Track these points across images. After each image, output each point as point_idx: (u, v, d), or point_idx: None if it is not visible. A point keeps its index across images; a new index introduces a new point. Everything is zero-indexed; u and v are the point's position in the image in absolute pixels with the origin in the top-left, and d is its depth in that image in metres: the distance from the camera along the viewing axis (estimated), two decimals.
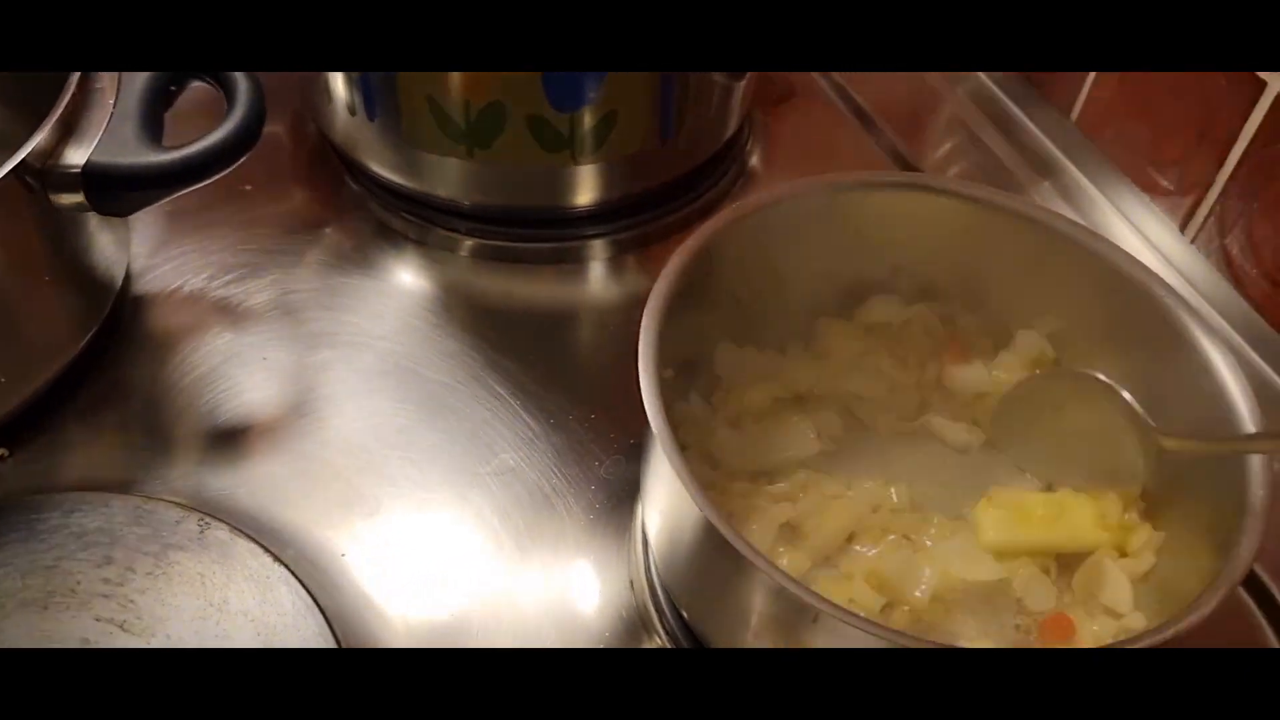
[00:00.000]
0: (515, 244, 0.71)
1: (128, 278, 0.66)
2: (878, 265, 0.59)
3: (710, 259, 0.53)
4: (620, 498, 0.59)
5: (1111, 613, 0.52)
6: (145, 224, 0.69)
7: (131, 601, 0.52)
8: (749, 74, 0.70)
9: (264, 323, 0.67)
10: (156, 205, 0.61)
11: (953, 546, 0.53)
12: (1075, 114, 0.75)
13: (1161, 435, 0.51)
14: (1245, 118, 0.64)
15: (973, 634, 0.51)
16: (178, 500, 0.57)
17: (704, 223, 0.53)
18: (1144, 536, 0.53)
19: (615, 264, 0.72)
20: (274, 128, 0.74)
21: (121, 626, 0.51)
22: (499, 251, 0.71)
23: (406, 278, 0.70)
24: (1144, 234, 0.72)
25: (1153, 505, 0.54)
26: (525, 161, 0.64)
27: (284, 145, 0.75)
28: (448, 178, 0.67)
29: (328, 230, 0.71)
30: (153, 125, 0.58)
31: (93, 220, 0.60)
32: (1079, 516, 0.55)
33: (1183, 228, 0.70)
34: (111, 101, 0.57)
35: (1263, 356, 0.66)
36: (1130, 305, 0.54)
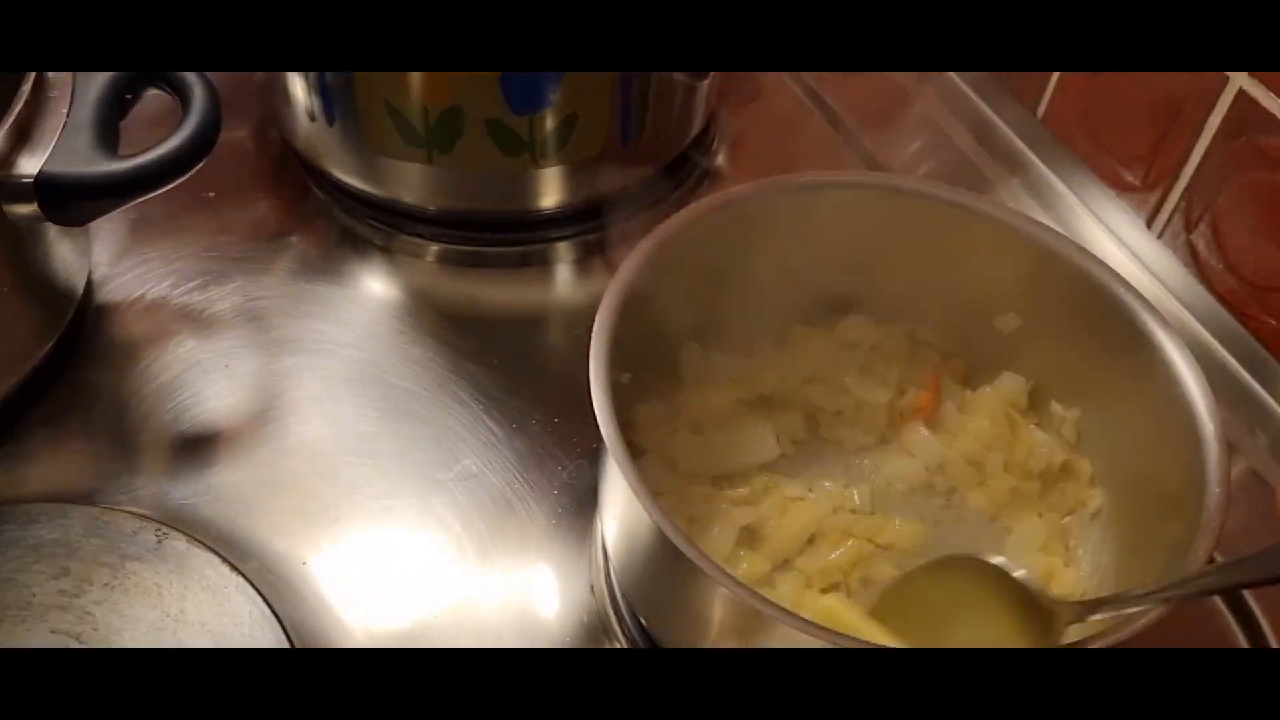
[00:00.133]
0: (481, 248, 0.71)
1: (90, 286, 0.66)
2: (838, 265, 0.59)
3: (667, 261, 0.53)
4: (583, 502, 0.59)
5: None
6: (107, 232, 0.69)
7: (88, 613, 0.52)
8: (712, 74, 0.69)
9: (228, 330, 0.66)
10: (119, 213, 0.60)
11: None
12: (1041, 111, 0.75)
13: (1065, 612, 0.47)
14: (1208, 113, 0.64)
15: None
16: (137, 510, 0.56)
17: (658, 227, 0.52)
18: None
19: (582, 266, 0.72)
20: (237, 135, 0.75)
21: (78, 638, 0.51)
22: (465, 256, 0.71)
23: (372, 284, 0.70)
24: (1112, 230, 0.72)
25: (1115, 501, 0.54)
26: (486, 166, 0.64)
27: (247, 152, 0.75)
28: (410, 183, 0.67)
29: (292, 237, 0.71)
30: (107, 134, 0.58)
31: (51, 229, 0.60)
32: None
33: (1149, 223, 0.70)
34: (65, 110, 0.57)
35: (1229, 351, 0.66)
36: (1089, 303, 0.54)
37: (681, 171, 0.74)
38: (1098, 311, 0.54)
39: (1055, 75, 0.73)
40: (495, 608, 0.56)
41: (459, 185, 0.67)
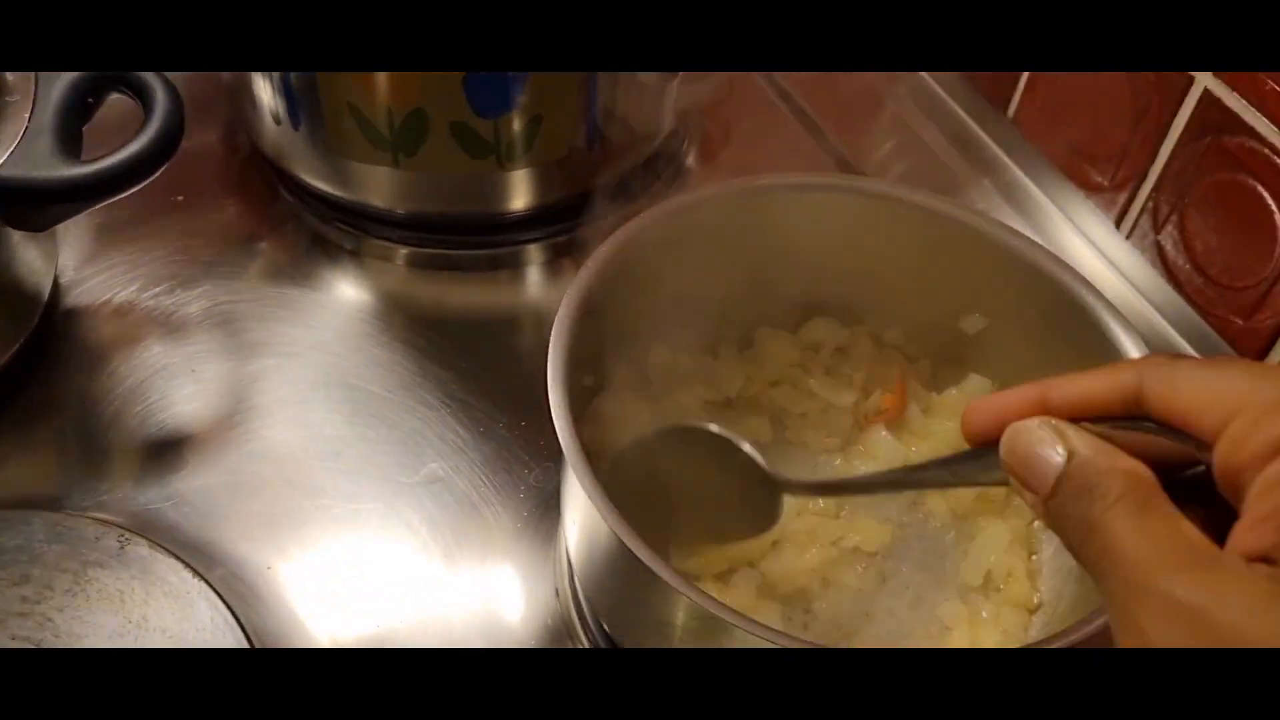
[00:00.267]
0: (450, 251, 0.71)
1: (56, 290, 0.66)
2: (802, 268, 0.59)
3: (629, 264, 0.53)
4: (549, 506, 0.59)
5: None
6: (74, 236, 0.69)
7: (49, 620, 0.52)
8: (680, 75, 0.69)
9: (196, 335, 0.66)
10: (86, 217, 0.61)
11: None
12: (1011, 111, 0.75)
13: (783, 484, 0.50)
14: (1175, 113, 0.64)
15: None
16: (101, 516, 0.56)
17: (621, 228, 0.52)
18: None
19: (551, 268, 0.72)
20: (206, 138, 0.74)
21: (38, 645, 0.51)
22: (434, 259, 0.71)
23: (340, 287, 0.70)
24: (1082, 231, 0.72)
25: None
26: (452, 169, 0.64)
27: (216, 156, 0.74)
28: (378, 186, 0.67)
29: (261, 242, 0.71)
30: (69, 138, 0.57)
31: (14, 234, 0.60)
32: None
33: (1118, 223, 0.70)
34: (26, 115, 0.57)
35: (1196, 350, 0.66)
36: (1053, 304, 0.54)
37: (651, 172, 0.74)
38: (1062, 313, 0.54)
39: (1025, 76, 0.73)
40: (461, 612, 0.56)
41: (426, 188, 0.67)
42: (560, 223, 0.71)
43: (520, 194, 0.68)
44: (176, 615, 0.52)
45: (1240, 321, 0.64)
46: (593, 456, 0.46)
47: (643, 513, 0.44)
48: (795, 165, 0.77)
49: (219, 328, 0.67)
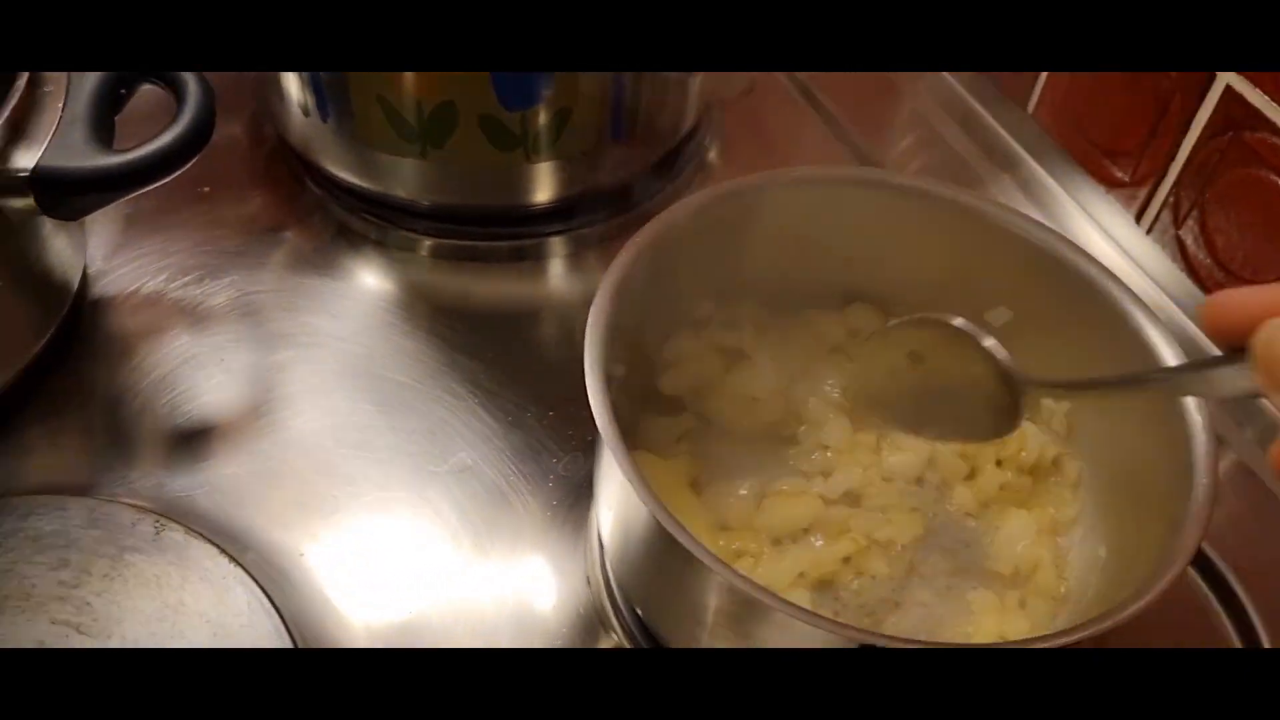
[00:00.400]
0: (474, 243, 0.71)
1: (85, 281, 0.66)
2: (828, 260, 0.59)
3: (663, 253, 0.53)
4: (578, 495, 0.60)
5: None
6: (103, 226, 0.69)
7: (87, 604, 0.52)
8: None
9: (223, 324, 0.67)
10: (114, 208, 0.61)
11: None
12: (1031, 107, 0.76)
13: (1030, 382, 0.50)
14: (1196, 109, 0.65)
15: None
16: (135, 502, 0.57)
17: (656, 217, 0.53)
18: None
19: (575, 260, 0.72)
20: (232, 129, 0.75)
21: (77, 629, 0.51)
22: (459, 250, 0.71)
23: (366, 278, 0.70)
24: (1101, 226, 0.73)
25: (1105, 494, 0.55)
26: (479, 161, 0.64)
27: (242, 147, 0.75)
28: (404, 178, 0.67)
29: (287, 232, 0.71)
30: (103, 128, 0.58)
31: (47, 224, 0.60)
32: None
33: (1138, 219, 0.70)
34: (60, 105, 0.57)
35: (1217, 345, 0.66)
36: (1078, 296, 0.55)
37: (675, 166, 0.74)
38: (1086, 305, 0.54)
39: (1045, 72, 0.74)
40: (491, 600, 0.56)
41: (452, 180, 0.67)
42: (584, 215, 0.71)
43: (545, 186, 0.68)
44: (213, 600, 0.53)
45: None
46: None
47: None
48: (816, 160, 0.77)
49: (246, 318, 0.67)
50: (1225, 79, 0.62)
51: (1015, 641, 0.50)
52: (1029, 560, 0.55)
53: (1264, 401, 0.65)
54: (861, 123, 0.80)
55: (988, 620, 0.53)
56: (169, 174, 0.57)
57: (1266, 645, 0.56)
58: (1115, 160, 0.71)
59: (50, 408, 0.62)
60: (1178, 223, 0.68)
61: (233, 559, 0.54)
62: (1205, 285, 0.67)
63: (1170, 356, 0.51)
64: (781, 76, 0.83)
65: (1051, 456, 0.57)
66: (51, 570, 0.53)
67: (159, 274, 0.69)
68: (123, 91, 0.59)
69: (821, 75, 0.82)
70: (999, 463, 0.58)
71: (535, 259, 0.72)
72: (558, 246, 0.72)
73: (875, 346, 0.54)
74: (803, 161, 0.77)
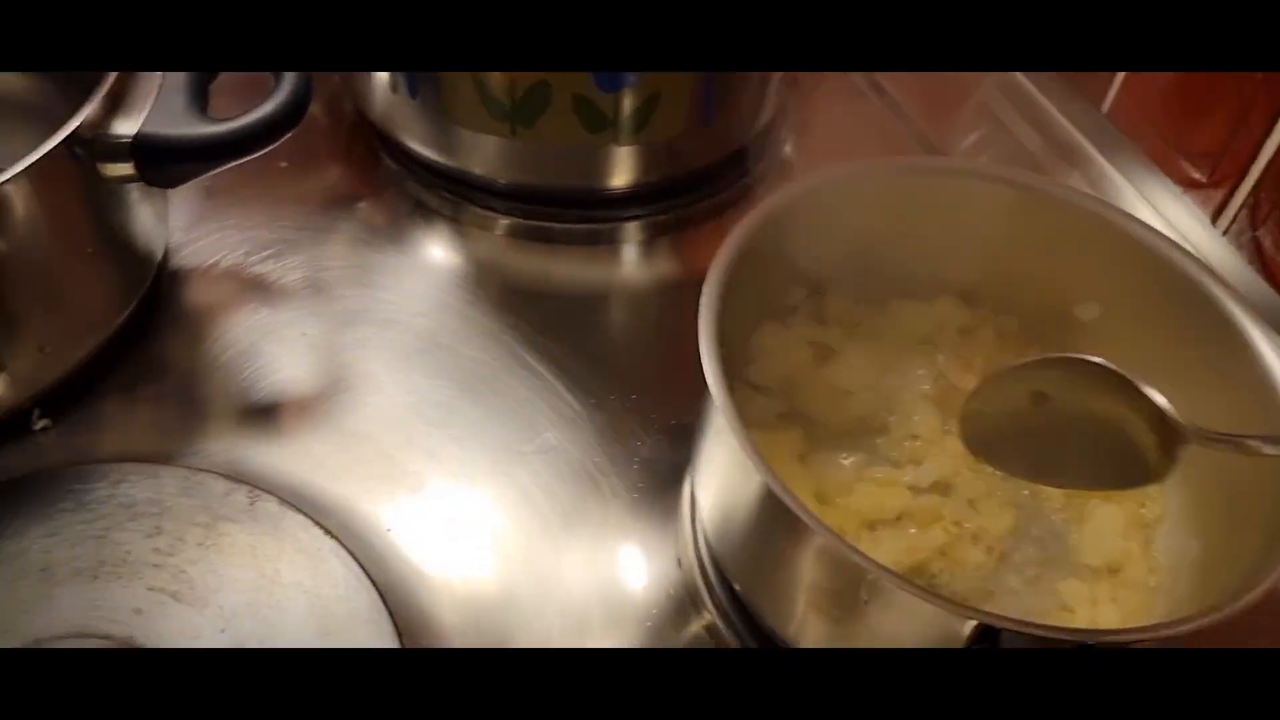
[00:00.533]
0: (550, 224, 0.71)
1: (166, 252, 0.66)
2: (918, 251, 0.60)
3: (761, 240, 0.53)
4: (663, 477, 0.60)
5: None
6: (182, 199, 0.69)
7: (183, 572, 0.52)
8: None
9: (300, 299, 0.67)
10: (194, 181, 0.61)
11: None
12: (1107, 105, 0.76)
13: (1194, 433, 0.47)
14: None
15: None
16: (227, 473, 0.57)
17: (765, 199, 0.53)
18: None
19: (648, 247, 0.72)
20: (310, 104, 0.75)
21: (174, 596, 0.51)
22: (534, 230, 0.71)
23: (441, 254, 0.70)
24: (1174, 225, 0.73)
25: (1195, 491, 0.55)
26: (568, 141, 0.65)
27: (320, 122, 0.75)
28: (487, 155, 0.67)
29: (363, 206, 0.72)
30: (200, 98, 0.58)
31: (134, 193, 0.60)
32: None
33: (1214, 219, 0.71)
34: (160, 74, 0.57)
35: None
36: (1174, 292, 0.55)
37: (751, 157, 0.74)
38: (1182, 300, 0.55)
39: (1123, 72, 0.74)
40: (579, 578, 0.56)
41: (536, 159, 0.68)
42: (661, 202, 0.72)
43: (628, 170, 0.68)
44: (309, 571, 0.53)
45: None
46: None
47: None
48: (886, 152, 0.77)
49: (322, 292, 0.67)
50: None
51: (1134, 630, 0.49)
52: (1119, 553, 0.55)
53: None
54: (929, 116, 0.80)
55: (1081, 611, 0.53)
56: (266, 146, 0.57)
57: None
58: (1193, 160, 0.71)
59: (132, 377, 0.62)
60: (1256, 224, 0.68)
61: (327, 531, 0.54)
62: None
63: (1272, 353, 0.51)
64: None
65: None
66: (146, 537, 0.53)
67: (237, 247, 0.68)
68: None
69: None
70: None
71: (609, 243, 0.72)
72: (632, 232, 0.72)
73: (995, 385, 0.51)
74: (874, 153, 0.77)
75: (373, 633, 0.51)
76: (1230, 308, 0.53)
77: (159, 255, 0.64)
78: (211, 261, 0.68)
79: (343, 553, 0.53)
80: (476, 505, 0.59)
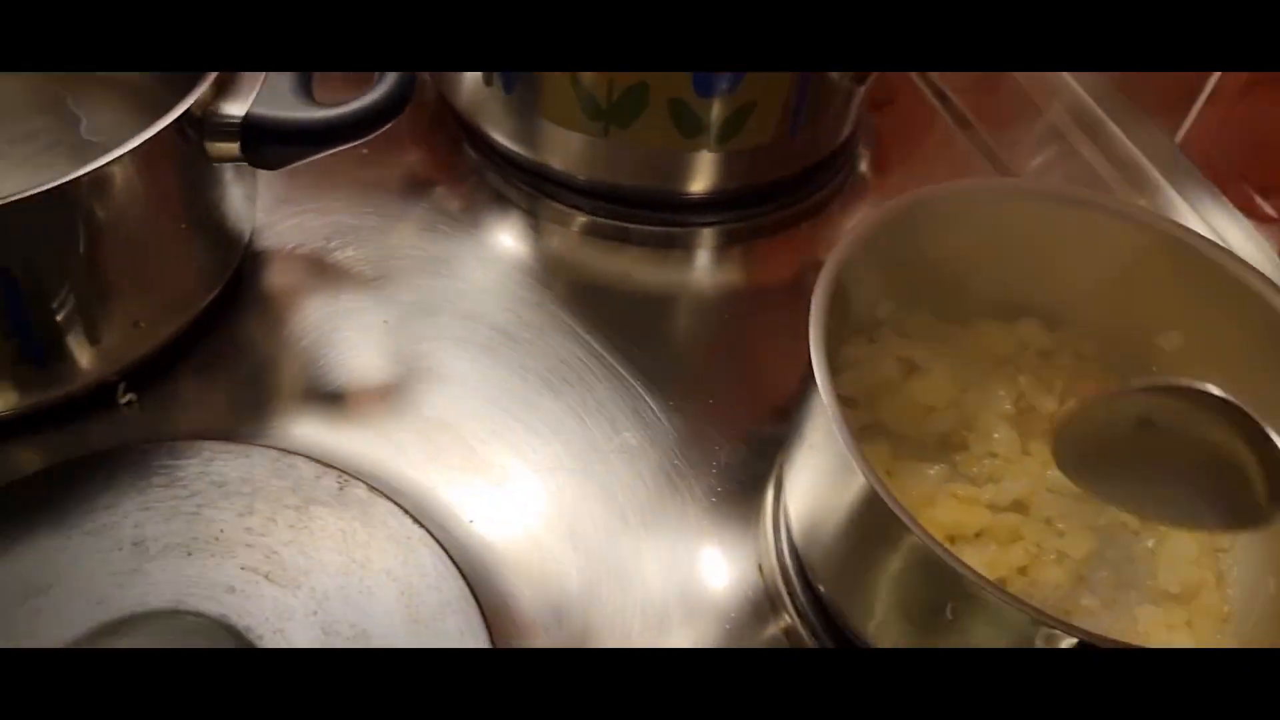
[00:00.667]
0: (626, 224, 0.72)
1: (251, 234, 0.67)
2: (1002, 271, 0.60)
3: (866, 249, 0.54)
4: (742, 484, 0.60)
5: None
6: (265, 182, 0.69)
7: (275, 552, 0.53)
8: (872, 75, 0.70)
9: (379, 285, 0.67)
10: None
11: None
12: (1180, 135, 0.77)
13: None
14: None
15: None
16: (316, 457, 0.57)
17: (885, 204, 0.54)
18: None
19: (720, 253, 0.73)
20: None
21: (266, 577, 0.52)
22: (610, 229, 0.72)
23: (519, 247, 0.71)
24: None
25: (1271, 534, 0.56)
26: (660, 144, 0.65)
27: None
28: (574, 153, 0.68)
29: (443, 194, 0.72)
30: (305, 81, 0.58)
31: (229, 173, 0.60)
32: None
33: None
34: None
35: None
36: (1260, 326, 0.56)
37: (829, 170, 0.75)
38: (1268, 335, 0.55)
39: (1199, 103, 0.75)
40: (659, 577, 0.57)
41: (620, 159, 0.68)
42: (738, 209, 0.72)
43: (708, 176, 0.69)
44: (400, 559, 0.53)
45: None
46: None
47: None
48: (959, 171, 0.78)
49: (401, 279, 0.68)
50: None
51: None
52: (1193, 580, 0.56)
53: None
54: (999, 135, 0.81)
55: (1156, 635, 0.54)
56: (370, 133, 0.58)
57: None
58: (1266, 195, 0.72)
59: (214, 357, 0.62)
60: None
61: (416, 520, 0.54)
62: None
63: None
64: (922, 86, 0.83)
65: None
66: (239, 516, 0.53)
67: (318, 232, 0.69)
68: None
69: (961, 86, 0.83)
70: None
71: (683, 247, 0.73)
72: (706, 237, 0.73)
73: (1098, 406, 0.51)
74: (947, 172, 0.78)
75: (462, 624, 0.51)
76: None
77: (246, 237, 0.65)
78: (293, 245, 0.68)
79: (432, 542, 0.54)
80: (558, 500, 0.59)
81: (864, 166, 0.78)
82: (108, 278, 0.55)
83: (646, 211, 0.72)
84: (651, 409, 0.63)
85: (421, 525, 0.54)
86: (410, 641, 0.50)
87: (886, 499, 0.45)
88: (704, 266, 0.73)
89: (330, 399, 0.62)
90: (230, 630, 0.50)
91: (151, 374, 0.60)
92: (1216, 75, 0.73)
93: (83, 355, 0.56)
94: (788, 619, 0.56)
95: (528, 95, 0.65)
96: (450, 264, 0.69)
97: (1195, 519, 0.51)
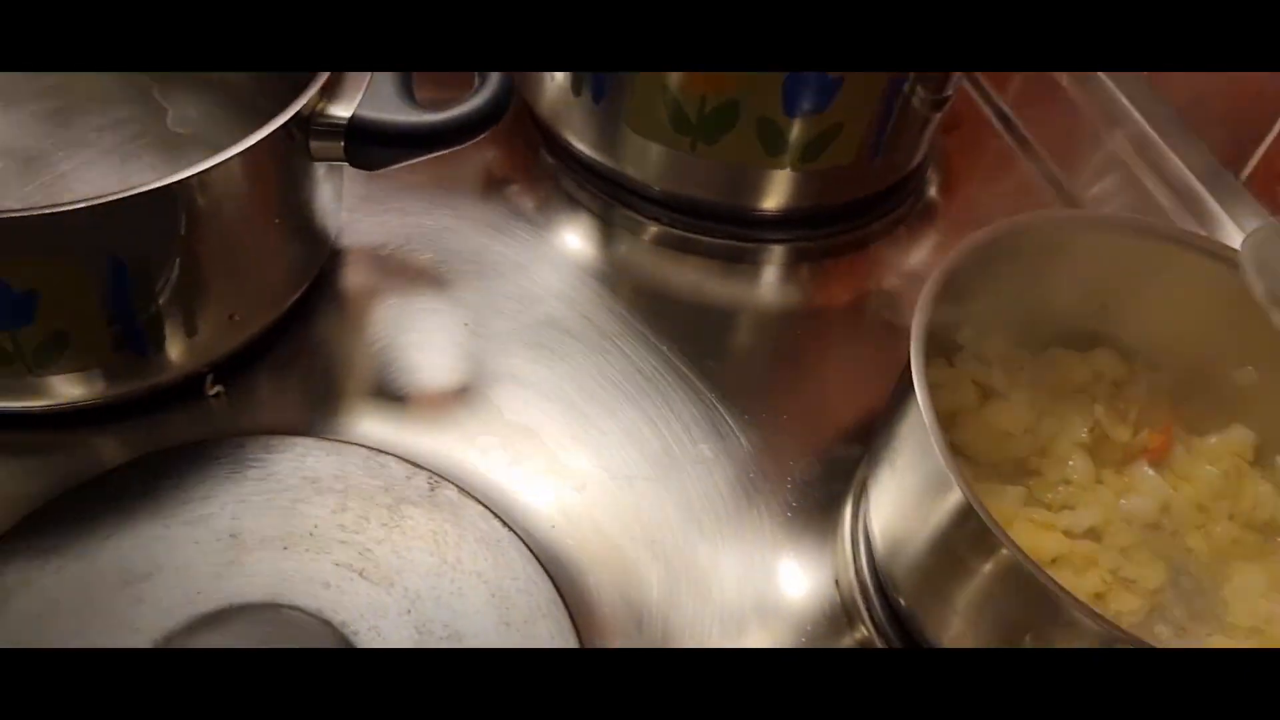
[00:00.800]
0: (699, 236, 0.73)
1: (337, 233, 0.67)
2: (1080, 301, 0.61)
3: (958, 274, 0.55)
4: (816, 499, 0.61)
5: None
6: (349, 181, 0.70)
7: (369, 550, 0.53)
8: (952, 97, 0.71)
9: (455, 287, 0.68)
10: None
11: None
12: (1245, 173, 0.78)
13: None
14: None
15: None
16: (406, 457, 0.58)
17: (996, 221, 0.56)
18: None
19: (789, 271, 0.74)
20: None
21: (360, 574, 0.53)
22: (681, 241, 0.73)
23: (595, 254, 0.72)
24: None
25: None
26: (746, 162, 0.66)
27: None
28: (654, 164, 0.69)
29: (521, 200, 0.73)
30: (408, 85, 0.59)
31: (321, 172, 0.61)
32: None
33: None
34: None
35: None
36: None
37: (900, 193, 0.76)
38: None
39: (1268, 140, 0.76)
40: (736, 588, 0.57)
41: (698, 173, 0.69)
42: (807, 228, 0.73)
43: (785, 194, 0.70)
44: (490, 562, 0.54)
45: None
46: None
47: None
48: (1024, 196, 0.79)
49: (481, 282, 0.69)
50: None
51: None
52: (1263, 614, 0.57)
53: None
54: (1061, 160, 0.82)
55: None
56: (471, 138, 0.59)
57: None
58: None
59: (296, 353, 0.63)
60: None
61: (505, 523, 0.55)
62: None
63: None
64: (987, 111, 0.84)
65: None
66: (332, 514, 0.54)
67: (397, 232, 0.70)
68: None
69: (1026, 111, 0.84)
70: (1231, 516, 0.60)
71: (752, 263, 0.74)
72: (776, 254, 0.74)
73: None
74: (1013, 198, 0.79)
75: (553, 628, 0.52)
76: None
77: (334, 233, 0.65)
78: (373, 245, 0.69)
79: (521, 546, 0.55)
80: (635, 508, 0.60)
81: (933, 191, 0.79)
82: (209, 271, 0.56)
83: (718, 225, 0.73)
84: (726, 421, 0.64)
85: (511, 529, 0.55)
86: (503, 644, 0.51)
87: (982, 514, 0.46)
88: (771, 283, 0.74)
89: (411, 399, 0.63)
90: (328, 625, 0.50)
91: (238, 367, 0.61)
92: None
93: (178, 346, 0.57)
94: (864, 630, 0.57)
95: (615, 107, 0.66)
96: (525, 268, 0.70)
97: None
